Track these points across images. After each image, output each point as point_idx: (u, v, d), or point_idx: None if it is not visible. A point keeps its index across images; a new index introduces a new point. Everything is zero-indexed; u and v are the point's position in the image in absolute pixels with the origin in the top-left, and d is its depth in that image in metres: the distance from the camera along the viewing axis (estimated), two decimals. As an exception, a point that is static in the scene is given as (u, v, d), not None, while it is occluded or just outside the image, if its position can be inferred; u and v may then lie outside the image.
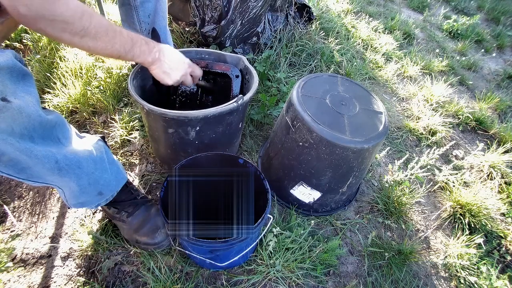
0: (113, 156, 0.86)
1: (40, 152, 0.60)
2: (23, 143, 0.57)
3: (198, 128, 0.91)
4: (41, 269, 0.89)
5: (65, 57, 1.44)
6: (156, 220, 0.91)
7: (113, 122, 1.27)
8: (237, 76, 1.08)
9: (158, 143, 1.05)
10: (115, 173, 0.84)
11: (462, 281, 1.06)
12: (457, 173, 1.39)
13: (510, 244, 1.20)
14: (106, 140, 0.91)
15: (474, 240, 1.13)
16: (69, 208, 1.02)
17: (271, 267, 0.93)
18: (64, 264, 0.90)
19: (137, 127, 1.27)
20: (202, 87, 1.13)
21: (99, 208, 1.01)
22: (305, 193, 1.05)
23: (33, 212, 1.02)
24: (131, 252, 0.92)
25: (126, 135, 1.24)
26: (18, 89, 0.56)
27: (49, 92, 1.32)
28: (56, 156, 0.64)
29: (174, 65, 0.86)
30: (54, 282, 0.87)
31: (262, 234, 0.93)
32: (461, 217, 1.24)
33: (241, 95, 0.90)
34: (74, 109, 1.32)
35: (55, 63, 1.43)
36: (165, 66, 0.84)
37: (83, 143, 0.76)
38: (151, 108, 0.84)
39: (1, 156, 0.56)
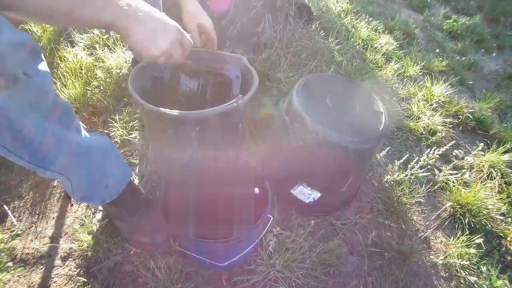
0: (118, 152, 0.86)
1: (56, 132, 0.60)
2: (40, 120, 0.56)
3: (198, 128, 0.91)
4: (41, 269, 0.89)
5: (65, 57, 1.44)
6: (156, 221, 0.91)
7: (113, 122, 1.27)
8: (237, 77, 1.08)
9: (157, 143, 1.05)
10: (122, 168, 0.84)
11: (462, 281, 1.06)
12: (457, 173, 1.39)
13: (510, 244, 1.20)
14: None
15: (474, 240, 1.13)
16: (73, 203, 1.01)
17: (271, 267, 0.93)
18: (64, 264, 0.90)
19: (137, 127, 1.27)
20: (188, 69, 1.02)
21: (100, 207, 1.02)
22: (305, 193, 1.05)
23: (33, 212, 1.02)
24: (131, 252, 0.92)
25: (126, 135, 1.24)
26: (35, 68, 0.56)
27: (49, 92, 1.32)
28: (70, 138, 0.64)
29: (160, 26, 0.63)
30: (54, 282, 0.87)
31: (262, 234, 0.93)
32: (461, 217, 1.24)
33: (241, 95, 0.90)
34: (74, 109, 1.32)
35: (55, 63, 1.43)
36: (147, 27, 0.61)
37: (91, 134, 0.77)
38: (151, 108, 0.84)
39: (19, 132, 0.55)
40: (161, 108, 0.84)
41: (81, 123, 0.76)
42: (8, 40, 0.48)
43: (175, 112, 0.83)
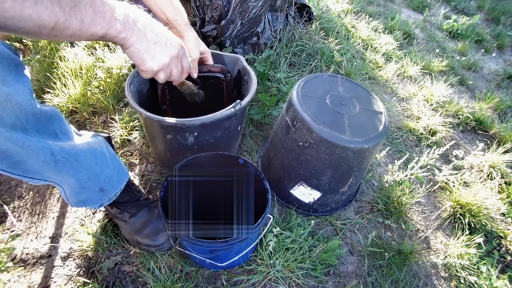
0: (114, 152, 0.85)
1: (33, 143, 0.57)
2: (14, 133, 0.53)
3: (196, 133, 0.90)
4: (41, 269, 0.89)
5: (65, 57, 1.44)
6: (158, 222, 0.91)
7: (113, 122, 1.27)
8: (235, 77, 1.06)
9: (157, 147, 1.05)
10: (117, 169, 0.82)
11: (462, 281, 1.06)
12: (457, 173, 1.39)
13: (510, 244, 1.20)
14: (111, 139, 0.89)
15: (474, 240, 1.13)
16: (72, 206, 1.01)
17: (271, 267, 0.93)
18: (64, 264, 0.90)
19: (137, 127, 1.27)
20: (190, 94, 0.99)
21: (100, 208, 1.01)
22: (305, 193, 1.05)
23: (33, 212, 1.02)
24: (131, 252, 0.92)
25: (126, 135, 1.24)
26: (7, 77, 0.52)
27: (49, 92, 1.32)
28: (52, 147, 0.60)
29: (161, 39, 0.58)
30: (54, 282, 0.87)
31: (262, 234, 0.93)
32: (461, 217, 1.24)
33: (238, 101, 0.89)
34: (74, 109, 1.32)
35: (55, 63, 1.43)
36: (147, 39, 0.55)
37: (82, 138, 0.75)
38: (148, 116, 0.84)
39: None
40: (158, 116, 0.83)
41: (72, 128, 0.74)
42: None
43: (173, 120, 0.83)
